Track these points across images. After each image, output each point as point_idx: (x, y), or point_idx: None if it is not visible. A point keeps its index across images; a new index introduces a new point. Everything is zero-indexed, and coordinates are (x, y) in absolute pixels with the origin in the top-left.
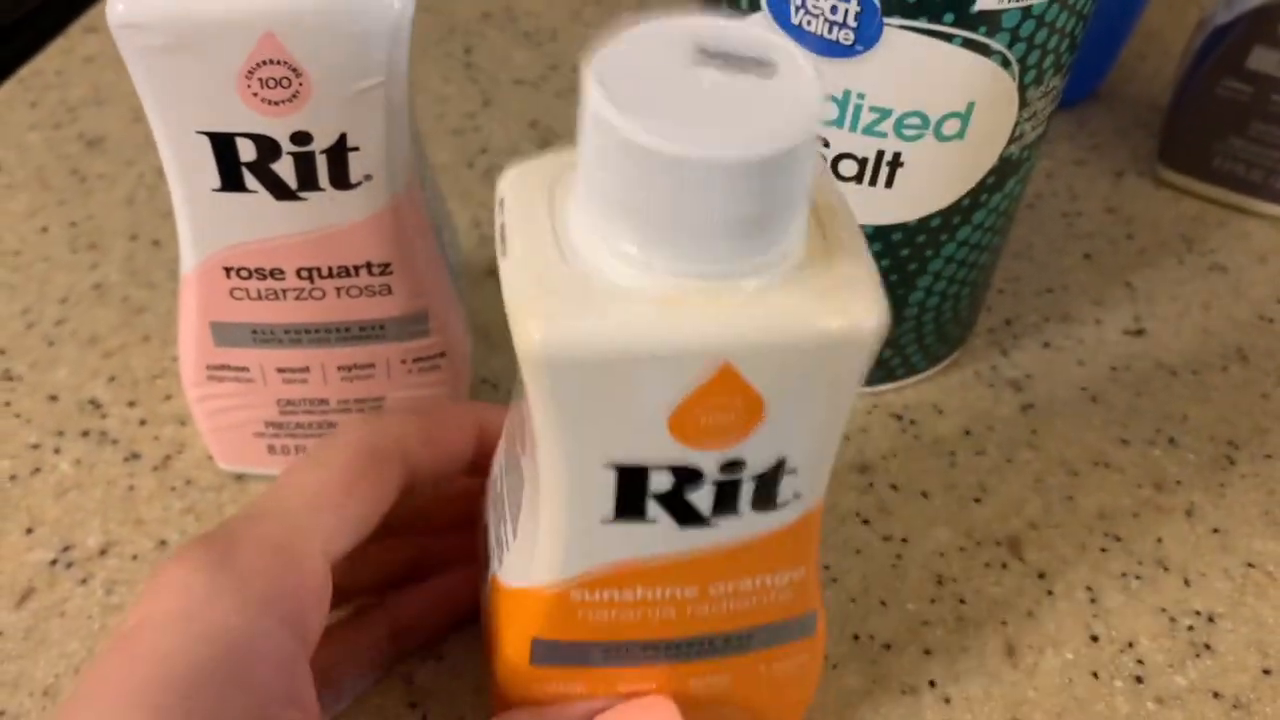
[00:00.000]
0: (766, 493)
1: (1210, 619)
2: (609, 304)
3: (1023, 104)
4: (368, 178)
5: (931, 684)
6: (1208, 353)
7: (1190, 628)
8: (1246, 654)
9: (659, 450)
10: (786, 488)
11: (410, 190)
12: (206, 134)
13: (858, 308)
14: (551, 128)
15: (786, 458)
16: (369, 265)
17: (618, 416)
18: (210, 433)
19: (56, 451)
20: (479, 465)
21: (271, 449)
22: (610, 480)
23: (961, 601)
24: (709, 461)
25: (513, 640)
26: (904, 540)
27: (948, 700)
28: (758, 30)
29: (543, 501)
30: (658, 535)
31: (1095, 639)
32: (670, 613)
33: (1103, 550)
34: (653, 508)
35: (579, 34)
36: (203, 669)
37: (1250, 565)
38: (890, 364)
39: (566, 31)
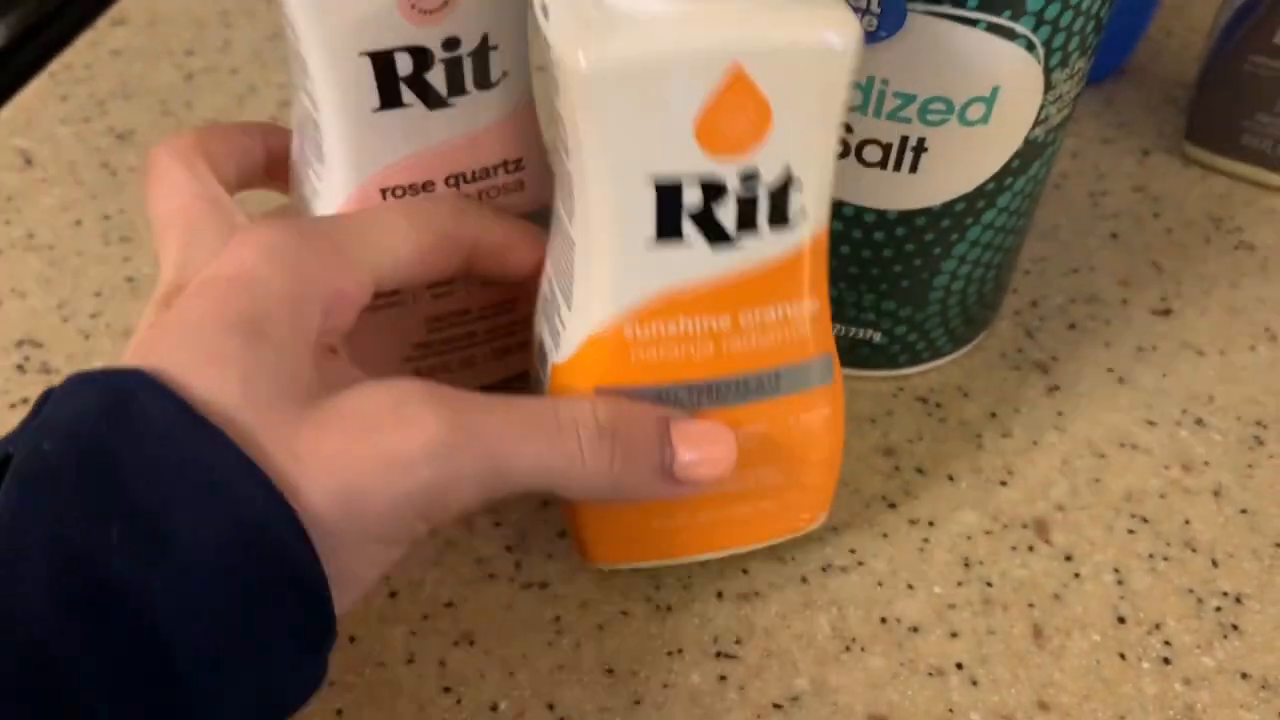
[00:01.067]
0: (780, 208)
1: (1238, 600)
2: (637, 27)
3: (1048, 87)
4: (505, 74)
5: (958, 666)
6: (1235, 332)
7: (1218, 609)
8: (1275, 635)
9: (688, 161)
10: (794, 203)
11: (530, 83)
12: (368, 54)
13: (837, 24)
14: None
15: (791, 166)
16: (505, 164)
17: (652, 126)
18: None
19: None
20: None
21: (419, 372)
22: (650, 200)
23: (988, 584)
24: (730, 173)
25: None
26: (930, 523)
27: (975, 682)
28: None
29: (593, 231)
30: (692, 258)
31: (1122, 620)
32: (709, 348)
33: (1130, 532)
34: (687, 227)
35: None
36: (272, 315)
37: (1279, 545)
38: (915, 347)
39: None
